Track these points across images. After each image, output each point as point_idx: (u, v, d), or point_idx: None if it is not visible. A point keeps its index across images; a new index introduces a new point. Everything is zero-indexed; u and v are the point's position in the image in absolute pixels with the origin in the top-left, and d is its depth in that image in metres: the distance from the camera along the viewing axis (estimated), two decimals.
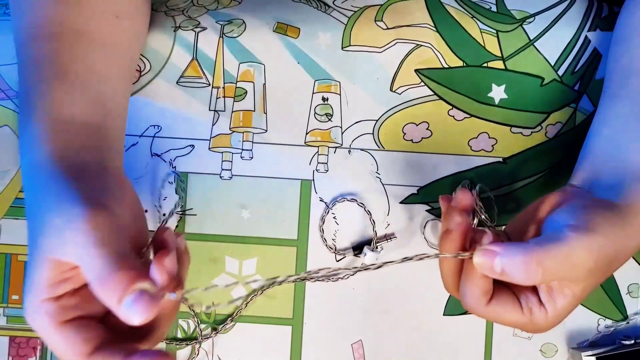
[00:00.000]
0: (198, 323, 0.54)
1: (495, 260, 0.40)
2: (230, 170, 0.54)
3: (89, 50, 0.47)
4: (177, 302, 0.41)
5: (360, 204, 0.53)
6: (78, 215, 0.38)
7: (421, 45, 0.54)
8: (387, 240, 0.54)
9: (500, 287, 0.44)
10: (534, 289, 0.43)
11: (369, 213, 0.53)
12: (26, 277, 0.40)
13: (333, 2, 0.55)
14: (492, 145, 0.54)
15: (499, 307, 0.43)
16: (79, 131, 0.44)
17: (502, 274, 0.40)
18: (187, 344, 0.54)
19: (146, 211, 0.54)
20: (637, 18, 0.49)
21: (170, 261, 0.39)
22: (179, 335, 0.54)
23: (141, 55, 0.54)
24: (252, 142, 0.54)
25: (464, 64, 0.54)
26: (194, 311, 0.53)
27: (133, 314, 0.37)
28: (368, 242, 0.54)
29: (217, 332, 0.53)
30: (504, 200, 0.54)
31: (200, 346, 0.53)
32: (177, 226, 0.54)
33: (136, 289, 0.37)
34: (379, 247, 0.53)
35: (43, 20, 0.46)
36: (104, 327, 0.40)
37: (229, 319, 0.54)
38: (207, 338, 0.54)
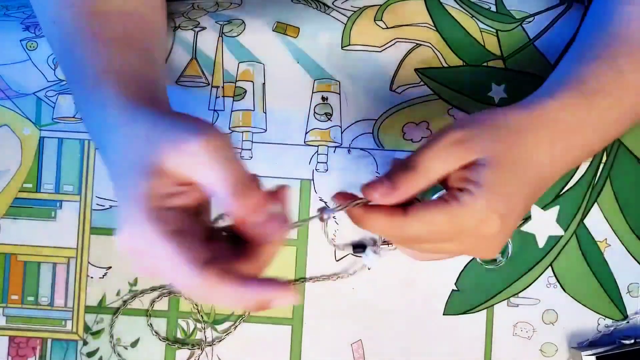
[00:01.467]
0: (204, 329, 0.54)
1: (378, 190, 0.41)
2: None
3: (139, 30, 0.47)
4: (283, 234, 0.40)
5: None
6: (202, 130, 0.37)
7: (421, 45, 0.54)
8: (388, 244, 0.54)
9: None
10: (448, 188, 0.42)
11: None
12: (121, 192, 0.38)
13: (332, 3, 0.55)
14: None
15: (421, 210, 0.41)
16: (151, 87, 0.44)
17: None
18: (190, 349, 0.53)
19: None
20: None
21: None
22: (179, 334, 0.54)
23: None
24: (252, 142, 0.54)
25: (464, 64, 0.54)
26: (201, 315, 0.53)
27: (266, 232, 0.37)
28: (368, 243, 0.54)
29: (220, 340, 0.53)
30: None
31: (202, 352, 0.53)
32: None
33: (272, 209, 0.37)
34: (380, 249, 0.53)
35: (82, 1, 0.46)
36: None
37: (232, 326, 0.54)
38: (210, 345, 0.53)
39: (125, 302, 0.54)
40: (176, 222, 0.37)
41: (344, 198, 0.43)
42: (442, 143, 0.41)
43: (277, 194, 0.40)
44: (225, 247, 0.39)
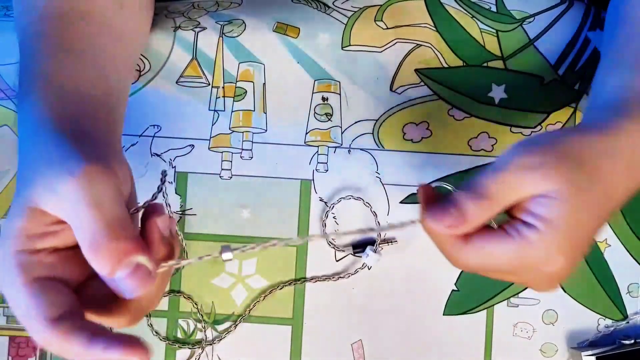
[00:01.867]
0: (204, 329, 0.54)
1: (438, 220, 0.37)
2: (230, 170, 0.54)
3: (95, 31, 0.46)
4: (166, 276, 0.39)
5: (367, 204, 0.53)
6: (75, 168, 0.35)
7: (421, 45, 0.54)
8: (387, 243, 0.54)
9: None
10: (512, 217, 0.39)
11: (375, 214, 0.53)
12: (2, 227, 0.36)
13: (333, 3, 0.55)
14: (492, 145, 0.54)
15: (483, 240, 0.38)
16: (81, 101, 0.41)
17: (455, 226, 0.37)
18: (190, 348, 0.53)
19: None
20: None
21: (162, 221, 0.37)
22: (179, 335, 0.54)
23: (141, 55, 0.54)
24: (252, 142, 0.54)
25: (464, 64, 0.54)
26: (201, 314, 0.53)
27: (126, 288, 0.35)
28: (368, 243, 0.54)
29: (220, 340, 0.53)
30: None
31: (203, 351, 0.53)
32: (177, 226, 0.54)
33: (133, 262, 0.35)
34: (380, 248, 0.53)
35: (48, 2, 0.45)
36: (77, 296, 0.37)
37: (233, 325, 0.54)
38: (210, 345, 0.54)
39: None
40: (44, 266, 0.36)
41: (428, 194, 0.39)
42: (514, 168, 0.37)
43: (151, 232, 0.38)
44: (101, 295, 0.37)
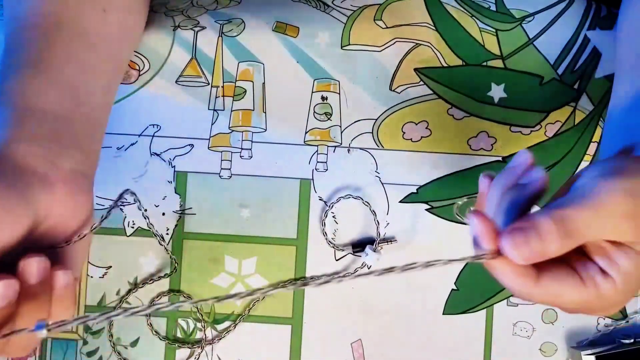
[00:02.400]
0: (204, 328, 0.54)
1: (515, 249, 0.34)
2: (229, 169, 0.54)
3: (69, 41, 0.47)
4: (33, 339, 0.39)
5: (366, 203, 0.53)
6: None
7: (420, 44, 0.54)
8: (387, 242, 0.54)
9: (549, 262, 0.35)
10: (590, 258, 0.36)
11: (374, 213, 0.53)
12: None
13: (332, 2, 0.55)
14: (492, 144, 0.54)
15: (554, 282, 0.35)
16: (41, 119, 0.43)
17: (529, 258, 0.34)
18: (190, 348, 0.53)
19: (145, 210, 0.54)
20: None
21: (4, 287, 0.37)
22: (179, 334, 0.54)
23: (140, 54, 0.54)
24: (252, 141, 0.54)
25: (464, 63, 0.54)
26: (201, 314, 0.53)
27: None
28: (368, 242, 0.54)
29: (220, 339, 0.53)
30: None
31: (202, 351, 0.53)
32: (176, 225, 0.54)
33: None
34: (380, 247, 0.53)
35: (29, 11, 0.46)
36: None
37: (232, 324, 0.54)
38: (210, 344, 0.54)
39: (122, 299, 0.54)
40: None
41: (483, 221, 0.35)
42: (608, 210, 0.34)
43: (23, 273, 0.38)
44: None
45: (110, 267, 0.54)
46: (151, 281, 0.54)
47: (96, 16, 0.48)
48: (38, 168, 0.42)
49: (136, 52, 0.54)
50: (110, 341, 0.53)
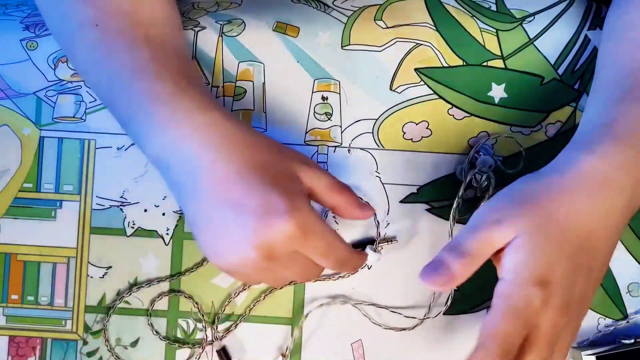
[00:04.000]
0: (204, 328, 0.54)
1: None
2: None
3: (176, 33, 0.50)
4: None
5: (365, 203, 0.53)
6: None
7: (421, 44, 0.54)
8: (388, 242, 0.54)
9: None
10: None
11: (374, 213, 0.53)
12: None
13: (332, 2, 0.55)
14: (492, 145, 0.54)
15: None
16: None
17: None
18: (190, 348, 0.53)
19: (145, 210, 0.54)
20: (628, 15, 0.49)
21: None
22: (179, 334, 0.54)
23: None
24: None
25: (464, 63, 0.54)
26: (201, 314, 0.53)
27: None
28: (368, 242, 0.54)
29: (221, 339, 0.53)
30: None
31: (203, 351, 0.53)
32: (176, 225, 0.54)
33: None
34: (380, 247, 0.53)
35: (124, 7, 0.47)
36: None
37: (233, 324, 0.54)
38: (210, 344, 0.53)
39: (121, 297, 0.54)
40: None
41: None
42: (484, 225, 0.42)
43: None
44: None
45: (111, 267, 0.54)
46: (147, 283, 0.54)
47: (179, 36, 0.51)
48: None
49: None
50: (107, 345, 0.53)
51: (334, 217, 0.54)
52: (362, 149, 0.54)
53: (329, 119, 0.54)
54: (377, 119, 0.54)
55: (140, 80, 0.45)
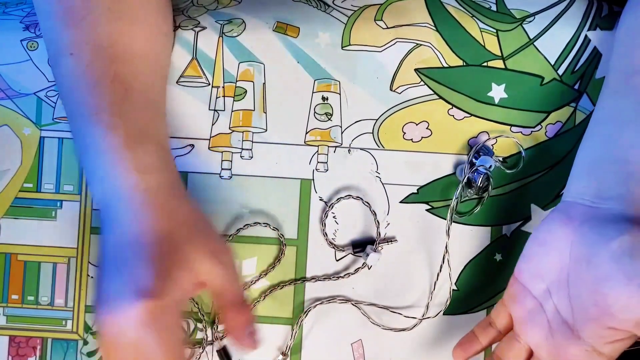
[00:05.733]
0: (205, 328, 0.54)
1: None
2: (230, 169, 0.54)
3: (149, 70, 0.48)
4: None
5: (366, 203, 0.53)
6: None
7: (421, 45, 0.54)
8: (388, 242, 0.54)
9: None
10: None
11: (374, 213, 0.53)
12: None
13: (333, 2, 0.55)
14: (492, 145, 0.54)
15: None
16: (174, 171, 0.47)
17: None
18: (190, 348, 0.53)
19: None
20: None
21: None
22: None
23: None
24: (252, 142, 0.54)
25: (464, 63, 0.54)
26: (202, 314, 0.53)
27: None
28: (368, 242, 0.54)
29: (221, 339, 0.53)
30: (504, 199, 0.54)
31: (203, 351, 0.53)
32: None
33: None
34: (380, 247, 0.53)
35: (100, 38, 0.46)
36: None
37: None
38: (210, 344, 0.54)
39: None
40: None
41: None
42: None
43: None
44: None
45: None
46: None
47: (161, 42, 0.51)
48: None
49: None
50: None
51: (333, 216, 0.54)
52: (362, 149, 0.54)
53: (329, 119, 0.54)
54: (377, 119, 0.54)
55: (94, 124, 0.45)
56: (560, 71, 0.54)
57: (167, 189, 0.45)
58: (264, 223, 0.53)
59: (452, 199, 0.52)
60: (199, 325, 0.54)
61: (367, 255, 0.53)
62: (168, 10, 0.52)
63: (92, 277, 0.54)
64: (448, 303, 0.53)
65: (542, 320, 0.45)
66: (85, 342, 0.54)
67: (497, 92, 0.54)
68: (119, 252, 0.43)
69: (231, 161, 0.54)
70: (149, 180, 0.44)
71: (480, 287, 0.54)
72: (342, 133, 0.54)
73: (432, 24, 0.54)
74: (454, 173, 0.54)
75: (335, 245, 0.54)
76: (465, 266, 0.54)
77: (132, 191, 0.44)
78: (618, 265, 0.40)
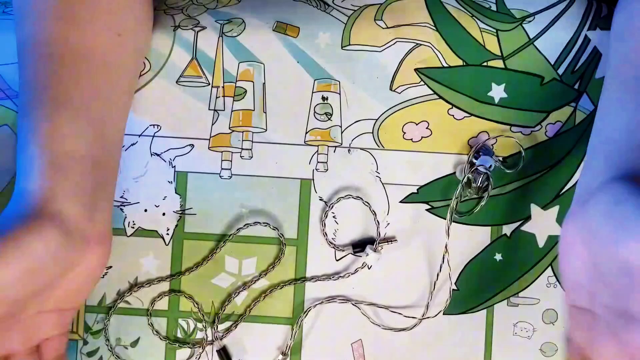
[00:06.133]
0: (204, 328, 0.54)
1: None
2: (229, 169, 0.54)
3: (92, 73, 0.46)
4: None
5: (366, 203, 0.53)
6: None
7: (421, 45, 0.54)
8: (388, 242, 0.54)
9: None
10: None
11: (374, 213, 0.53)
12: None
13: (333, 1, 0.55)
14: (492, 145, 0.54)
15: None
16: (77, 168, 0.43)
17: None
18: (190, 348, 0.53)
19: (145, 210, 0.54)
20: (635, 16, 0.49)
21: None
22: (179, 334, 0.54)
23: None
24: (252, 142, 0.54)
25: (464, 63, 0.54)
26: (202, 314, 0.54)
27: None
28: (368, 242, 0.54)
29: (221, 339, 0.53)
30: (504, 199, 0.54)
31: (203, 351, 0.53)
32: (176, 226, 0.54)
33: None
34: (380, 247, 0.53)
35: (44, 37, 0.45)
36: None
37: (233, 324, 0.54)
38: (210, 344, 0.54)
39: (121, 297, 0.54)
40: None
41: None
42: None
43: None
44: None
45: (111, 267, 0.54)
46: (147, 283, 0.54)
47: (113, 43, 0.47)
48: (77, 225, 0.41)
49: None
50: (107, 345, 0.53)
51: (333, 216, 0.54)
52: (362, 149, 0.54)
53: (329, 119, 0.54)
54: (377, 119, 0.54)
55: (27, 131, 0.43)
56: (560, 71, 0.54)
57: (49, 234, 0.41)
58: (264, 223, 0.53)
59: (452, 199, 0.52)
60: (199, 325, 0.54)
61: (367, 255, 0.53)
62: (126, 10, 0.49)
63: None
64: (448, 303, 0.53)
65: (602, 327, 0.42)
66: (85, 342, 0.54)
67: (497, 91, 0.54)
68: None
69: (231, 161, 0.54)
70: (42, 220, 0.41)
71: (480, 287, 0.54)
72: (342, 133, 0.54)
73: (432, 24, 0.54)
74: (454, 173, 0.54)
75: (335, 245, 0.54)
76: (465, 266, 0.54)
77: (21, 228, 0.40)
78: (612, 221, 0.38)
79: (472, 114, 0.54)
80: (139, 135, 0.54)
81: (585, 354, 0.43)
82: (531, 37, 0.54)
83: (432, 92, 0.54)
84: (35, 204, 0.41)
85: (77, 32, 0.46)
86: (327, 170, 0.54)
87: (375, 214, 0.54)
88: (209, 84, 0.54)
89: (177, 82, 0.54)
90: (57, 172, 0.42)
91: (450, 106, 0.54)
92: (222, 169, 0.54)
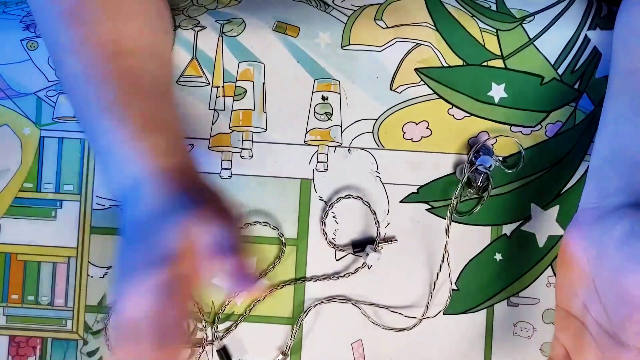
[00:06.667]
0: (204, 328, 0.54)
1: None
2: (230, 169, 0.54)
3: (160, 66, 0.49)
4: None
5: (366, 203, 0.53)
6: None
7: (421, 44, 0.54)
8: (387, 242, 0.54)
9: None
10: None
11: (374, 213, 0.53)
12: None
13: (333, 1, 0.55)
14: (492, 145, 0.54)
15: None
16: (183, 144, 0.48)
17: None
18: (190, 348, 0.53)
19: None
20: (636, 19, 0.49)
21: None
22: None
23: None
24: (252, 142, 0.54)
25: (464, 63, 0.54)
26: (202, 314, 0.53)
27: None
28: (368, 242, 0.54)
29: (221, 339, 0.53)
30: (504, 199, 0.54)
31: (203, 351, 0.53)
32: None
33: None
34: (380, 247, 0.53)
35: (101, 35, 0.46)
36: None
37: (233, 324, 0.54)
38: (210, 344, 0.54)
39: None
40: None
41: None
42: None
43: None
44: None
45: (111, 267, 0.54)
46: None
47: (162, 39, 0.52)
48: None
49: None
50: (107, 345, 0.53)
51: (333, 216, 0.54)
52: (362, 148, 0.54)
53: (329, 118, 0.54)
54: (377, 119, 0.54)
55: (105, 119, 0.45)
56: (560, 71, 0.54)
57: (180, 171, 0.45)
58: (264, 222, 0.53)
59: (452, 199, 0.52)
60: (199, 325, 0.54)
61: (367, 255, 0.53)
62: (165, 10, 0.52)
63: (91, 276, 0.54)
64: (448, 303, 0.53)
65: (589, 340, 0.43)
66: (85, 342, 0.54)
67: (497, 91, 0.54)
68: (144, 224, 0.43)
69: (231, 161, 0.54)
70: (163, 164, 0.44)
71: (480, 286, 0.54)
72: (342, 133, 0.54)
73: (432, 24, 0.54)
74: (454, 173, 0.54)
75: (335, 245, 0.54)
76: (465, 266, 0.54)
77: (149, 175, 0.44)
78: (625, 250, 0.39)
79: (472, 114, 0.54)
80: None
81: (569, 356, 0.44)
82: (531, 37, 0.54)
83: (432, 92, 0.54)
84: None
85: (132, 27, 0.48)
86: (327, 170, 0.54)
87: (375, 213, 0.54)
88: (209, 84, 0.54)
89: (177, 82, 0.54)
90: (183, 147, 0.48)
91: (450, 106, 0.54)
92: (222, 168, 0.54)
